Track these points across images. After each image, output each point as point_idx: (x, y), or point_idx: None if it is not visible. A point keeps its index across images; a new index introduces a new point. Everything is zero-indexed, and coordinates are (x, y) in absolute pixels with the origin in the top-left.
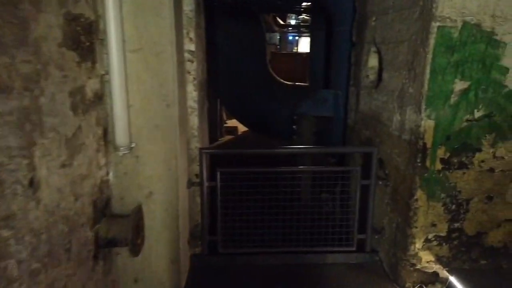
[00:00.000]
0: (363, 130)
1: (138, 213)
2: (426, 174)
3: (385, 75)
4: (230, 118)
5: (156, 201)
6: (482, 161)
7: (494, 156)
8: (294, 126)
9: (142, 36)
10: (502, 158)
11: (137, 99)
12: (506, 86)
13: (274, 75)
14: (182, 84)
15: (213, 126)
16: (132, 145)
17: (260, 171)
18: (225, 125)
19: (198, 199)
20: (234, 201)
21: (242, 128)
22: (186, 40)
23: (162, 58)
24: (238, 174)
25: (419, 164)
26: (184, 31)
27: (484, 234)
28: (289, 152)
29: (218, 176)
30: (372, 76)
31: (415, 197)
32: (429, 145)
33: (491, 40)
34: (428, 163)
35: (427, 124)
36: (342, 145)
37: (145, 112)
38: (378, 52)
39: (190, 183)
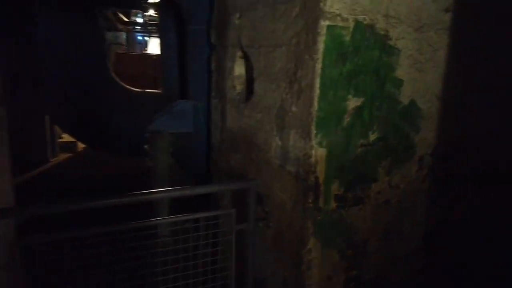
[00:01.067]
0: (233, 153)
1: None
2: (319, 217)
3: (257, 87)
4: None
5: None
6: (378, 193)
7: (390, 186)
8: (145, 146)
9: None
10: (398, 187)
11: None
12: (400, 102)
13: (118, 80)
14: None
15: (41, 145)
16: None
17: (91, 234)
18: (60, 140)
19: None
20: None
21: None
22: None
23: None
24: (60, 240)
25: (311, 205)
26: None
27: (382, 278)
28: (134, 200)
29: (18, 254)
30: (240, 87)
31: (308, 247)
32: (321, 179)
33: (385, 46)
34: (321, 203)
35: (319, 153)
36: (207, 169)
37: None
38: (247, 58)
39: None
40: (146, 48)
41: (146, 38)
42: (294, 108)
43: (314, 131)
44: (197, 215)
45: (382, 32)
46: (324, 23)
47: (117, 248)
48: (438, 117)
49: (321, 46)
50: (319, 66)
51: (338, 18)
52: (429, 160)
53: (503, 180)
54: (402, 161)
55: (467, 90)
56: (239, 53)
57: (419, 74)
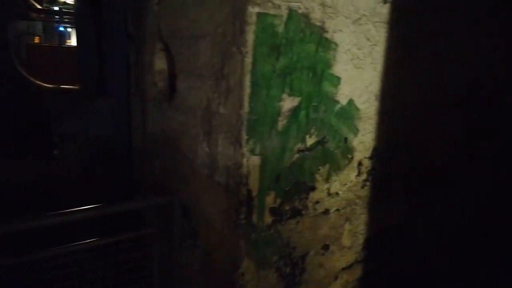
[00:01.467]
0: (156, 160)
1: None
2: (253, 234)
3: (180, 85)
4: None
5: None
6: (317, 202)
7: (329, 193)
8: (55, 151)
9: None
10: (337, 194)
11: None
12: (338, 102)
13: (25, 74)
14: None
15: None
16: None
17: None
18: None
19: None
20: None
21: None
22: None
23: None
24: None
25: (244, 221)
26: None
27: None
28: (22, 227)
29: None
30: (162, 84)
31: (241, 270)
32: (255, 192)
33: (321, 39)
34: (255, 218)
35: (251, 162)
36: (129, 178)
37: None
38: (168, 50)
39: None
40: (69, 40)
41: (70, 29)
42: (222, 110)
43: (245, 137)
44: (106, 240)
45: (318, 23)
46: (253, 9)
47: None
48: (377, 117)
49: (250, 37)
50: (248, 60)
51: (269, 4)
52: (368, 164)
53: (444, 179)
54: (340, 166)
55: (406, 88)
56: (160, 45)
57: (357, 71)
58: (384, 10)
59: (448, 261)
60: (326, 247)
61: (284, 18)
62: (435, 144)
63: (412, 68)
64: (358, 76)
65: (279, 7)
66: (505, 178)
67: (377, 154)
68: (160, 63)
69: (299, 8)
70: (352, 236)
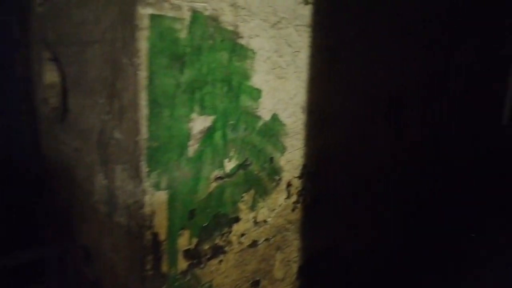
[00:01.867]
0: (54, 193)
1: None
2: (164, 286)
3: (72, 102)
4: None
5: None
6: (242, 235)
7: (256, 223)
8: None
9: None
10: (265, 222)
11: None
12: (260, 118)
13: None
14: None
15: None
16: None
17: None
18: None
19: None
20: None
21: None
22: None
23: None
24: None
25: (150, 272)
26: None
27: None
28: None
29: None
30: (54, 101)
31: None
32: (163, 235)
33: (236, 46)
34: (165, 266)
35: (156, 199)
36: (30, 211)
37: None
38: (57, 60)
39: None
40: None
41: None
42: (117, 135)
43: (145, 169)
44: None
45: (231, 28)
46: (145, 11)
47: None
48: (304, 132)
49: (143, 45)
50: (143, 74)
51: (166, 5)
52: (298, 184)
53: (377, 194)
54: (267, 190)
55: (333, 98)
56: (47, 53)
57: (280, 81)
58: (306, 12)
59: (387, 282)
60: (256, 284)
61: (187, 22)
62: (365, 157)
63: (338, 76)
64: (281, 87)
65: (179, 8)
66: (440, 188)
67: (307, 172)
68: (50, 75)
69: (205, 9)
70: (284, 266)
